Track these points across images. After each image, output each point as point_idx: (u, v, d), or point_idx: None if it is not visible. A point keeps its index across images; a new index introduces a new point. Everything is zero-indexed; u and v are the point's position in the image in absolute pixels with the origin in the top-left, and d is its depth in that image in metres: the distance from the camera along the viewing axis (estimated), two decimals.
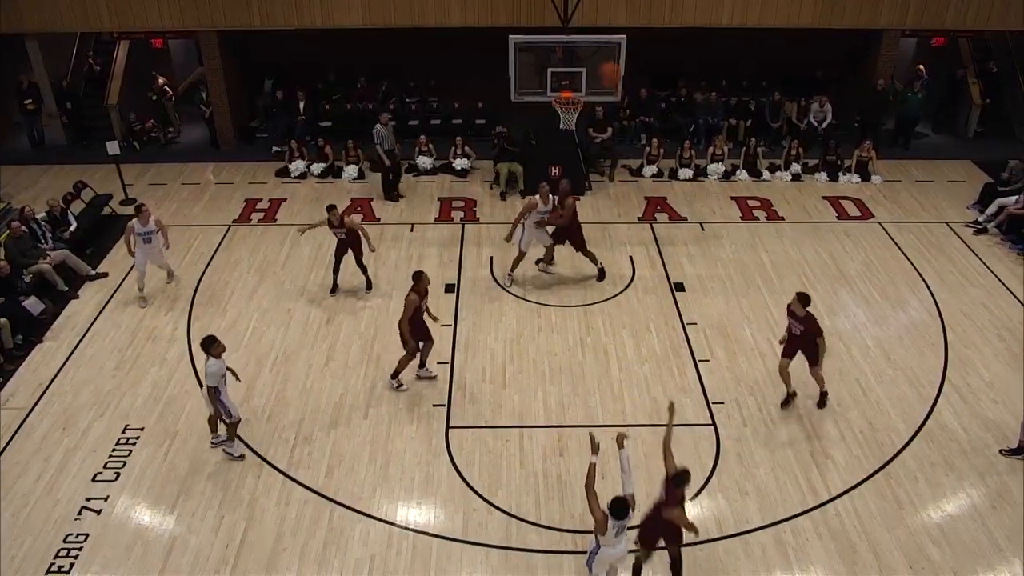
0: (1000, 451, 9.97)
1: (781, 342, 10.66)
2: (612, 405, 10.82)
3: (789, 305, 10.23)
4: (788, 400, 10.73)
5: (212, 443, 10.14)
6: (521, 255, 13.19)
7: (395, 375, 11.02)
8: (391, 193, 16.26)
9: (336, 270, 13.04)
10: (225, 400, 9.59)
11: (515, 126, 16.91)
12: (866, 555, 8.79)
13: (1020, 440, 9.85)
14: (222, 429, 9.97)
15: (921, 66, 18.72)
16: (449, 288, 13.14)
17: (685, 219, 15.42)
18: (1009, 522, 9.14)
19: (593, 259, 13.34)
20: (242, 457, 9.97)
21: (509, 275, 13.26)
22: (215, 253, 14.31)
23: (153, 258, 12.72)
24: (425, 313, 10.70)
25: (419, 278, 10.54)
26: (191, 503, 9.44)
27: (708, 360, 11.63)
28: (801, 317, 10.08)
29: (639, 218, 15.46)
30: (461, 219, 15.46)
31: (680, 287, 13.24)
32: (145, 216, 12.38)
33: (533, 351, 11.78)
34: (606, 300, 12.96)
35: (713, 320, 12.46)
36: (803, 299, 10.09)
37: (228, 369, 9.66)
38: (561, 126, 14.76)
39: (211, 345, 9.40)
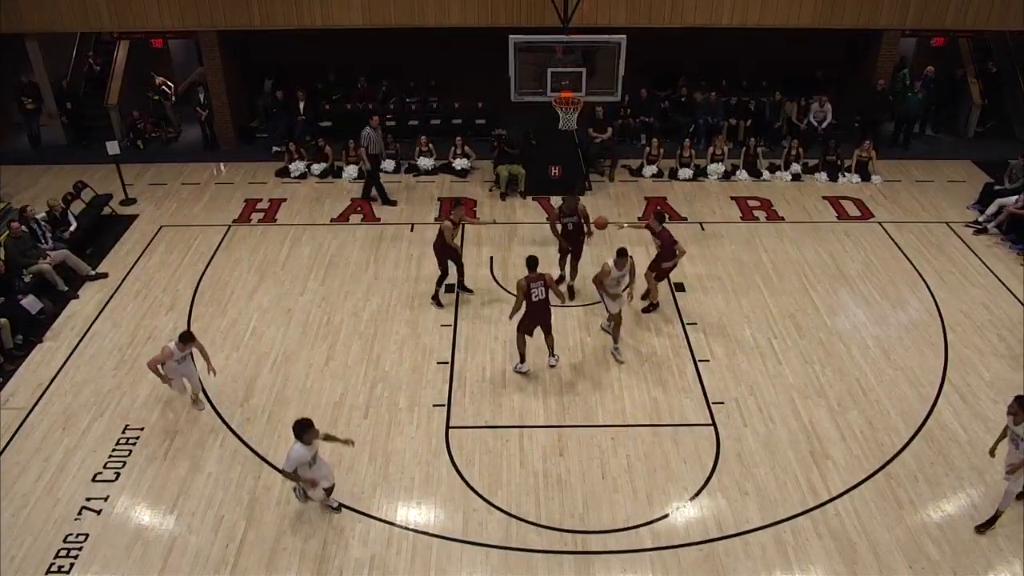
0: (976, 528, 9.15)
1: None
2: (612, 405, 10.82)
3: (649, 224, 12.19)
4: (651, 308, 12.67)
5: (295, 491, 9.41)
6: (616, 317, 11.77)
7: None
8: (368, 195, 16.08)
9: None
10: (312, 474, 8.74)
11: (515, 126, 16.93)
12: (866, 555, 8.79)
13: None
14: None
15: (931, 67, 18.67)
16: (449, 288, 13.13)
17: (685, 219, 15.42)
18: (1008, 522, 9.13)
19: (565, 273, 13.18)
20: (339, 509, 9.33)
21: (615, 348, 11.85)
22: (215, 253, 14.31)
23: (187, 375, 10.61)
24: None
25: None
26: (191, 503, 9.45)
27: (708, 360, 11.63)
28: (658, 232, 12.09)
29: (639, 218, 15.46)
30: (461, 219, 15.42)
31: (680, 287, 13.24)
32: (189, 344, 10.24)
33: (533, 351, 11.76)
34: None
35: (713, 320, 12.46)
36: (659, 216, 12.27)
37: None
38: (561, 126, 14.76)
39: (305, 431, 8.34)
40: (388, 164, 17.41)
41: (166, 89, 19.63)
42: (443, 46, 18.30)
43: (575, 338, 12.09)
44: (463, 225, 13.84)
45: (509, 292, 13.05)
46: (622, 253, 11.10)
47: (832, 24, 17.19)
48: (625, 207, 15.90)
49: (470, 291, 13.13)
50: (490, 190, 16.61)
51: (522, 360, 11.37)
